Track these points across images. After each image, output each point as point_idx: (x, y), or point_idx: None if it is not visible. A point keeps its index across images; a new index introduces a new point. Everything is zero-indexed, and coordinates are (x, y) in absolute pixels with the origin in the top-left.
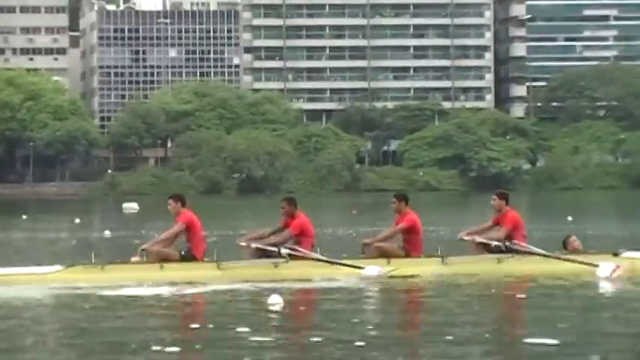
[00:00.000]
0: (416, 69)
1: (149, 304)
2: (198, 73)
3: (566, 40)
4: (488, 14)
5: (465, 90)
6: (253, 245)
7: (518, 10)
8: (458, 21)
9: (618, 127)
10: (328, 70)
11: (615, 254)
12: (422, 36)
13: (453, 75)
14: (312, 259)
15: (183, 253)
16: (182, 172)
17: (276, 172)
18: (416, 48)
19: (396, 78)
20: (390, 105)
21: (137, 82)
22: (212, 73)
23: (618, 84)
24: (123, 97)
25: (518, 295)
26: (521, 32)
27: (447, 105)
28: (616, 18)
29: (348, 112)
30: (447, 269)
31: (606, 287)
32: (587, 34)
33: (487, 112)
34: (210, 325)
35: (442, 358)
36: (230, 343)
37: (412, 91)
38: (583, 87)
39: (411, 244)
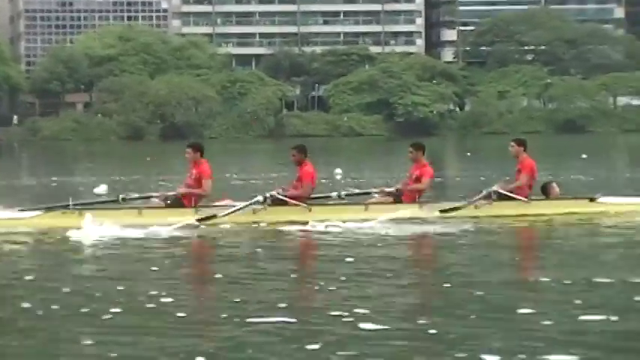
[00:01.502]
0: (346, 13)
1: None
2: (125, 17)
3: None
4: None
5: (396, 34)
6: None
7: None
8: None
9: (546, 72)
10: (257, 15)
11: (592, 199)
12: None
13: (384, 19)
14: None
15: (169, 202)
16: (105, 117)
17: (200, 117)
18: None
19: (325, 22)
20: (319, 50)
21: (64, 27)
22: (140, 18)
23: (547, 28)
24: (49, 41)
25: None
26: None
27: (377, 50)
28: None
29: (277, 57)
30: None
31: None
32: None
33: (415, 56)
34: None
35: None
36: None
37: (342, 35)
38: (512, 31)
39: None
